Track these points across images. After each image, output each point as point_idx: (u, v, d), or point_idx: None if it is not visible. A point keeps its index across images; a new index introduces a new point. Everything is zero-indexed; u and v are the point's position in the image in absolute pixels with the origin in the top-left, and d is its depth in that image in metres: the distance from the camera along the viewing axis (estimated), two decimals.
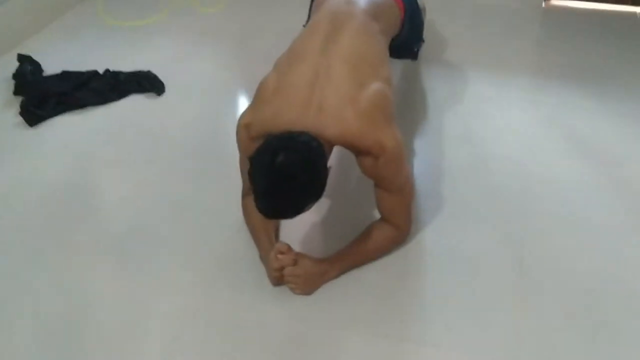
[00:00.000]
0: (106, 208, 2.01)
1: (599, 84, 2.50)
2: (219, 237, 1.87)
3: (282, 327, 1.60)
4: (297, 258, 1.65)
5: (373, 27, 1.84)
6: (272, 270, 1.66)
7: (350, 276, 1.72)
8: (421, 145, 2.23)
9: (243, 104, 2.48)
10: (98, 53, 2.86)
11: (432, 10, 2.78)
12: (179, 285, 1.73)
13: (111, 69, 2.66)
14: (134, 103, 2.53)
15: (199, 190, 2.06)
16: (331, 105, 1.55)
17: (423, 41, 2.44)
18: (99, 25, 3.14)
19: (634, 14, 3.04)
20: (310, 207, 1.49)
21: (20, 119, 2.40)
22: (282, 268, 1.64)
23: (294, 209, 1.47)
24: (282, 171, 1.41)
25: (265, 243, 1.74)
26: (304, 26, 2.09)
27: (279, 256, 1.64)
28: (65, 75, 2.64)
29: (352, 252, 1.72)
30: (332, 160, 1.74)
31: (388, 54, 1.88)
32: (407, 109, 2.40)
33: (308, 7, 2.19)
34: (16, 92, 2.55)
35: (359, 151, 1.58)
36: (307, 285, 1.67)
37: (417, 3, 2.22)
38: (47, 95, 2.47)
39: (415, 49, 2.39)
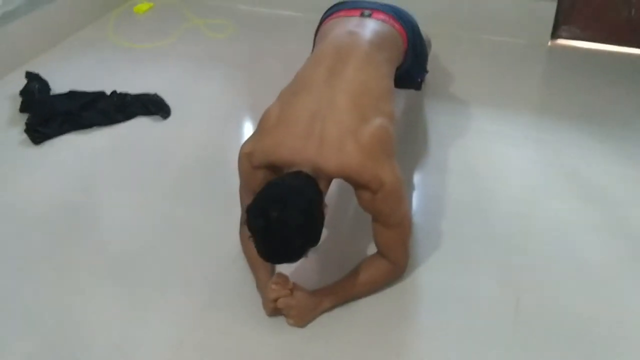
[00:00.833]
0: (105, 229, 2.01)
1: (603, 125, 2.50)
2: (216, 264, 1.87)
3: (274, 358, 1.59)
4: (293, 289, 1.65)
5: (378, 58, 1.85)
6: (267, 301, 1.66)
7: (346, 310, 1.71)
8: (421, 180, 2.23)
9: (248, 129, 2.49)
10: (106, 74, 2.89)
11: (437, 44, 2.81)
12: (172, 310, 1.72)
13: (118, 90, 2.68)
14: (140, 125, 2.55)
15: (198, 215, 2.06)
16: (332, 138, 1.56)
17: (427, 72, 2.45)
18: (108, 46, 3.18)
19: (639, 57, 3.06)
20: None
21: (25, 136, 2.42)
22: (277, 298, 1.64)
23: (295, 258, 1.50)
24: (277, 234, 1.42)
25: (262, 273, 1.73)
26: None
27: (274, 287, 1.64)
28: (72, 94, 2.65)
29: (347, 285, 1.72)
30: (331, 191, 1.75)
31: (393, 88, 1.89)
32: (409, 142, 2.41)
33: (313, 34, 2.21)
34: (22, 110, 2.57)
35: (357, 185, 1.59)
36: (301, 317, 1.66)
37: (420, 33, 2.23)
38: (53, 114, 2.49)
39: (419, 79, 2.40)
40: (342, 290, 1.71)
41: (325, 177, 1.58)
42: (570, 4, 3.09)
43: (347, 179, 1.59)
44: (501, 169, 2.28)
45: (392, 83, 1.90)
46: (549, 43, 3.17)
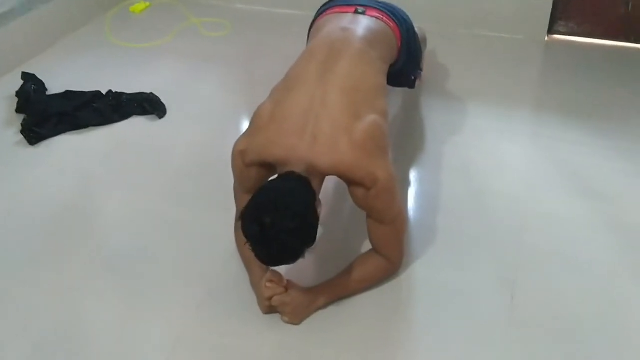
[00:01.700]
0: (101, 229, 2.01)
1: (599, 119, 2.50)
2: (212, 262, 1.87)
3: (271, 355, 1.60)
4: (287, 287, 1.65)
5: (371, 55, 1.84)
6: (262, 299, 1.66)
7: (341, 307, 1.71)
8: (417, 177, 2.23)
9: (244, 128, 2.46)
10: (102, 73, 2.89)
11: (433, 39, 2.81)
12: (169, 309, 1.72)
13: (114, 89, 2.68)
14: (136, 125, 2.55)
15: (195, 214, 2.06)
16: (326, 135, 1.56)
17: (421, 70, 2.44)
18: (104, 46, 3.18)
19: (636, 50, 3.05)
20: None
21: (21, 137, 2.42)
22: (272, 296, 1.64)
23: (293, 260, 1.49)
24: (272, 239, 1.41)
25: (257, 270, 1.73)
26: None
27: (269, 284, 1.64)
28: (68, 94, 2.66)
29: (342, 282, 1.72)
30: (326, 189, 1.75)
31: (386, 85, 1.89)
32: (405, 139, 2.41)
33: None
34: (18, 110, 2.57)
35: (351, 182, 1.59)
36: (295, 314, 1.66)
37: (414, 31, 2.23)
38: (49, 115, 2.48)
39: (413, 78, 2.39)
40: (337, 287, 1.71)
41: (319, 174, 1.58)
42: None
43: (341, 176, 1.59)
44: (497, 165, 2.27)
45: (385, 80, 1.89)
46: (546, 38, 3.17)
